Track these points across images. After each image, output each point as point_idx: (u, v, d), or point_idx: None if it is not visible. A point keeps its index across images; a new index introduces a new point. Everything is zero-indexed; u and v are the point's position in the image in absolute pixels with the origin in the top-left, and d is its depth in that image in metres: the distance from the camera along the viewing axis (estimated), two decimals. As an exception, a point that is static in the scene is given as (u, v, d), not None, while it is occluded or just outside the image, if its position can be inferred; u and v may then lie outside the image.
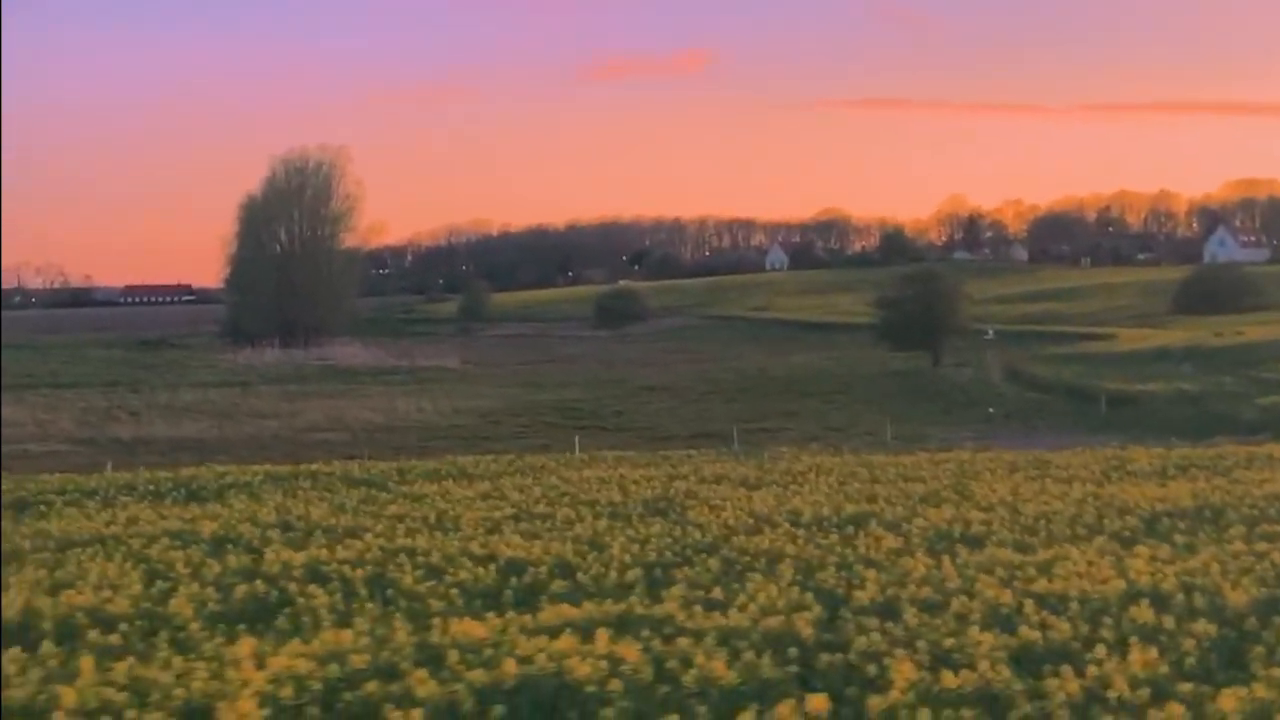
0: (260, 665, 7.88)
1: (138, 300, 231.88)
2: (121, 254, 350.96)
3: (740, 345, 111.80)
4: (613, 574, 12.72)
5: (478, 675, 7.64)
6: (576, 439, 40.64)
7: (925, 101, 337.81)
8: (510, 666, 7.74)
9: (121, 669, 8.03)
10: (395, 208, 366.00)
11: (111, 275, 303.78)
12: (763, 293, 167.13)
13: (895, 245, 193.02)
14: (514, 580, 12.67)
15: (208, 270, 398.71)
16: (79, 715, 7.12)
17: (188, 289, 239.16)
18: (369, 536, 15.92)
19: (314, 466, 30.53)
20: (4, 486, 28.24)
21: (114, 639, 9.70)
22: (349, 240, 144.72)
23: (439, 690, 7.39)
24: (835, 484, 22.30)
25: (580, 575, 12.79)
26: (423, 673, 7.66)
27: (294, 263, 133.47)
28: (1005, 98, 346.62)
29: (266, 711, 7.02)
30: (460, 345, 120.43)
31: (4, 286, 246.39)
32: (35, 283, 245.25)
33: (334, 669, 7.89)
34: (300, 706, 7.30)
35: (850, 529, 15.64)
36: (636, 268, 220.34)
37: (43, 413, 62.51)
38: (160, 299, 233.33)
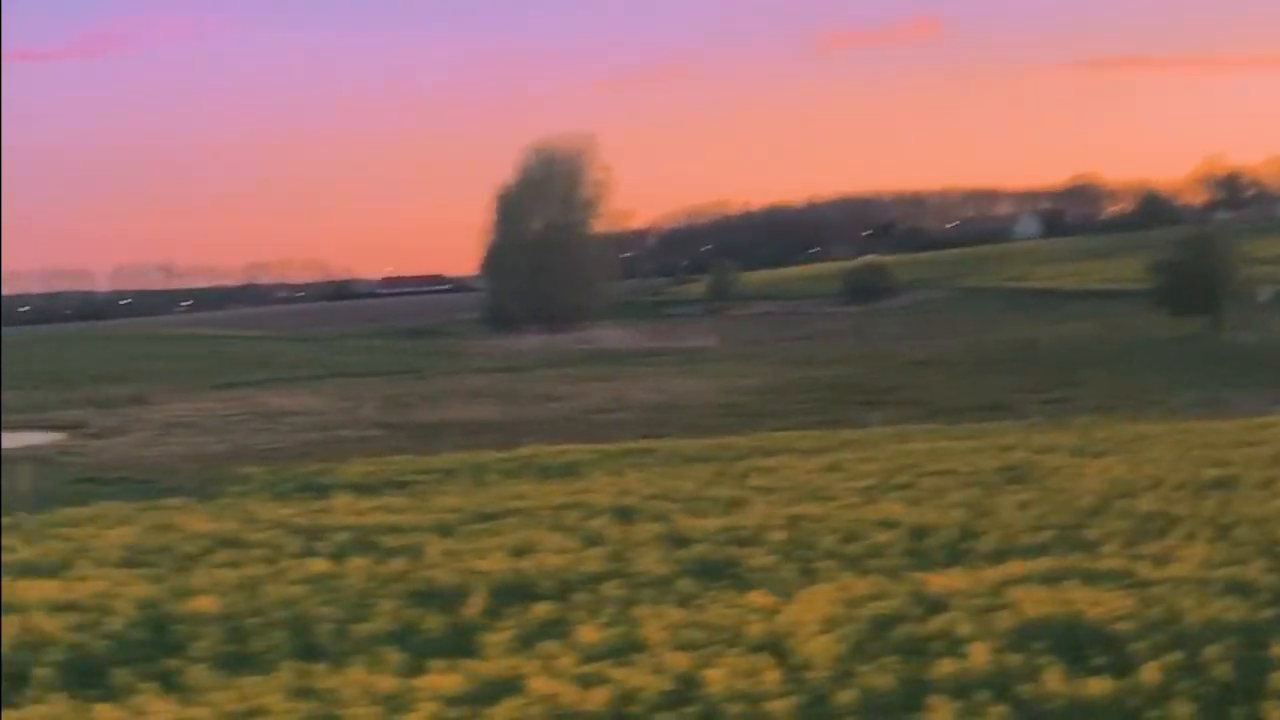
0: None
1: (395, 291, 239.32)
2: (378, 247, 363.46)
3: (999, 316, 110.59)
4: (1023, 535, 13.50)
5: (1003, 618, 8.61)
6: (875, 415, 41.42)
7: (1174, 58, 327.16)
8: (1032, 609, 8.70)
9: (673, 614, 9.26)
10: (636, 191, 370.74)
11: (370, 268, 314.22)
12: (1015, 262, 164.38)
13: (1153, 209, 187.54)
14: (926, 542, 13.61)
15: (458, 259, 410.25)
16: (671, 649, 8.27)
17: (441, 278, 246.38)
18: (757, 505, 17.11)
19: (639, 444, 32.13)
20: (358, 468, 30.51)
21: (620, 592, 10.94)
22: (599, 226, 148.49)
23: (978, 629, 8.38)
24: (1176, 450, 22.59)
25: (987, 537, 13.62)
26: (952, 615, 8.68)
27: (549, 249, 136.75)
28: (1260, 51, 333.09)
29: (842, 647, 8.09)
30: (715, 325, 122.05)
31: (265, 282, 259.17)
32: (300, 278, 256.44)
33: (865, 611, 8.97)
34: (860, 642, 8.35)
35: (1223, 491, 16.12)
36: (880, 241, 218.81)
37: (341, 400, 66.09)
38: (416, 289, 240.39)
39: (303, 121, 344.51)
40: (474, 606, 10.44)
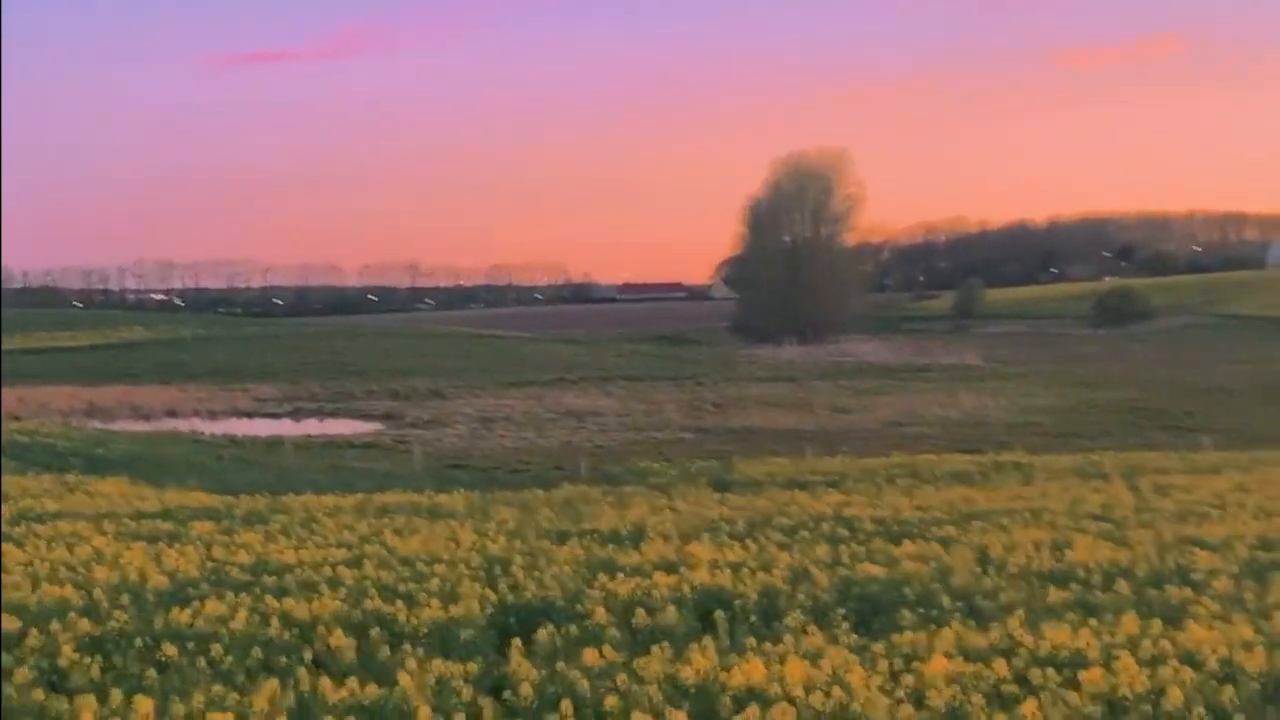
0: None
1: (633, 297, 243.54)
2: (615, 253, 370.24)
3: (1263, 346, 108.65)
4: None
5: None
6: (1206, 439, 42.45)
7: None
8: None
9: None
10: (871, 204, 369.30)
11: (605, 273, 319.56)
12: (1269, 290, 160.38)
13: None
14: None
15: (692, 268, 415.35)
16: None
17: (679, 286, 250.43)
18: (1222, 518, 18.89)
19: (1002, 458, 34.14)
20: (752, 469, 33.01)
21: (1223, 582, 12.92)
22: (850, 239, 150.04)
23: None
24: None
25: None
26: None
27: (801, 262, 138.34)
28: None
29: None
30: (970, 343, 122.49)
31: (501, 284, 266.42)
32: (542, 280, 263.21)
33: None
34: None
35: None
36: (1124, 264, 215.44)
37: (636, 403, 69.08)
38: (653, 296, 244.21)
39: (545, 127, 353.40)
40: (1120, 586, 12.56)
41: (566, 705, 7.21)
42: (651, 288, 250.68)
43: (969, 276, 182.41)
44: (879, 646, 9.35)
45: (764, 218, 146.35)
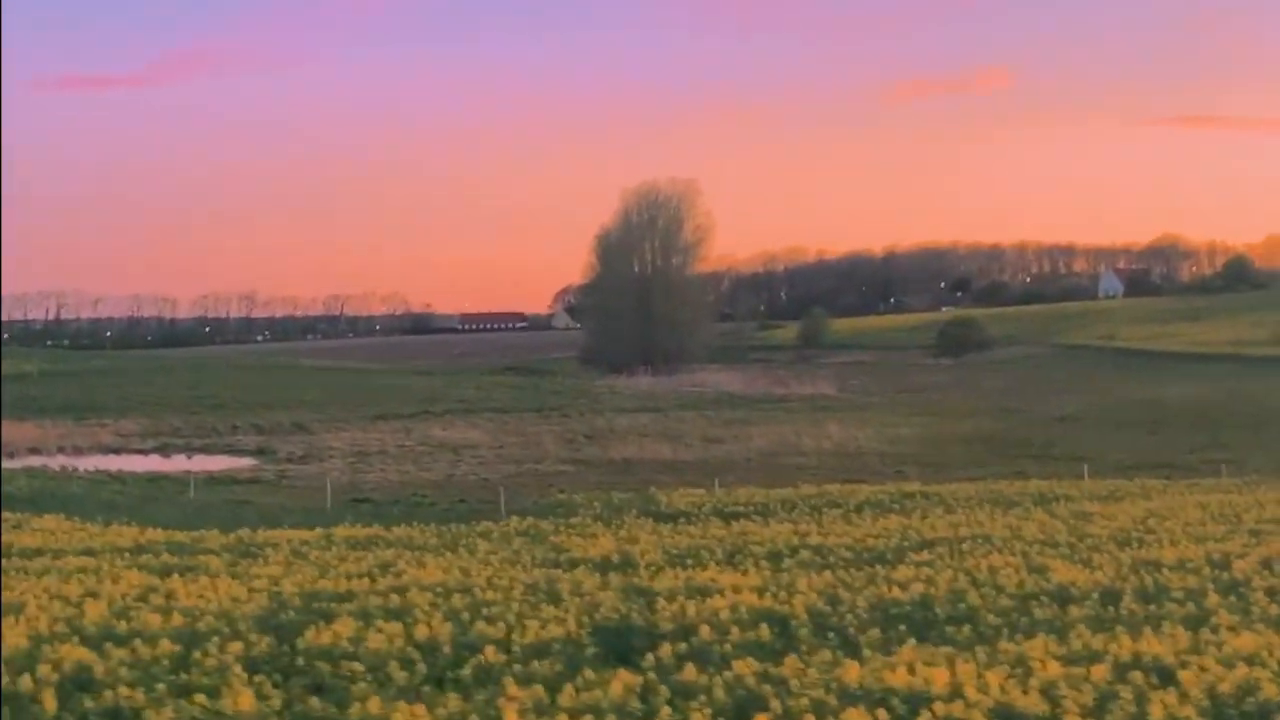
0: None
1: (473, 327, 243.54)
2: (452, 278, 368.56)
3: (1102, 375, 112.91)
4: None
5: None
6: (1085, 468, 44.53)
7: (1250, 119, 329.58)
8: None
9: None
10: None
11: (444, 303, 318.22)
12: (1102, 321, 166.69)
13: (1237, 272, 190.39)
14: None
15: (529, 296, 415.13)
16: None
17: (520, 316, 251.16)
18: (1167, 542, 20.32)
19: (902, 488, 35.63)
20: (678, 498, 33.90)
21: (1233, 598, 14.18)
22: (700, 269, 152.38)
23: None
24: None
25: None
26: None
27: (651, 292, 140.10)
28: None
29: None
30: (819, 373, 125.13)
31: (337, 314, 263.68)
32: (380, 310, 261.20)
33: None
34: None
35: None
36: (960, 294, 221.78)
37: (507, 436, 69.57)
38: (494, 326, 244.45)
39: (381, 153, 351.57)
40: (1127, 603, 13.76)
41: (776, 704, 8.04)
42: (492, 317, 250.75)
43: (810, 306, 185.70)
44: (976, 654, 10.31)
45: (614, 247, 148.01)
